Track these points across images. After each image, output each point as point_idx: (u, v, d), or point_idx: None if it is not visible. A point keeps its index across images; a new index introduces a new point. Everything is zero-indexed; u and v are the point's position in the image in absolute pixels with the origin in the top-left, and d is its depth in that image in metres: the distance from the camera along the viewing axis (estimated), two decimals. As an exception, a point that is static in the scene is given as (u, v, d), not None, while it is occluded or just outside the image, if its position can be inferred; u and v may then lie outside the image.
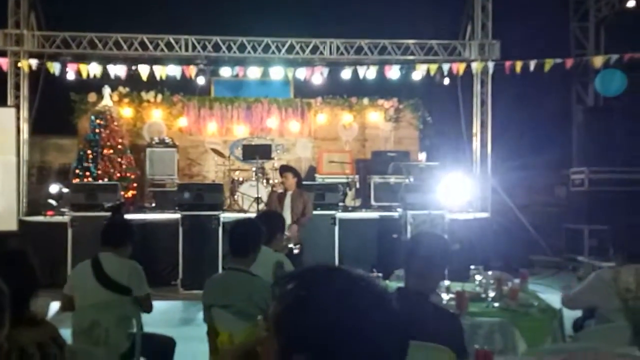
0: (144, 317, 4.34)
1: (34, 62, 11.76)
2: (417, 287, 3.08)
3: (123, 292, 4.22)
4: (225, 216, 9.85)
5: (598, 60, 12.42)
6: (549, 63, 12.23)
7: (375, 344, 1.26)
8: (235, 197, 11.45)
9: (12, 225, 10.12)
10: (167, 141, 12.45)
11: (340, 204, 11.00)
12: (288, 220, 7.75)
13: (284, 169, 8.36)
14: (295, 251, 7.22)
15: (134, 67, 12.05)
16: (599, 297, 4.19)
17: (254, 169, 11.47)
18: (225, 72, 12.56)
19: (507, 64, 12.36)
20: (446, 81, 12.70)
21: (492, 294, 4.25)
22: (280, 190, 8.41)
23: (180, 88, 13.20)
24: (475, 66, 12.51)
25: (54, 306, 4.53)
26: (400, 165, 11.43)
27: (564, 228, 12.25)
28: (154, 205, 11.57)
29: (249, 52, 12.46)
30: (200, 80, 12.33)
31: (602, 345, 3.07)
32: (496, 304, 4.17)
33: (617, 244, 4.33)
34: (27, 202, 11.73)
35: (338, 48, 12.61)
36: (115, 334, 4.01)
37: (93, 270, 4.25)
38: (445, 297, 4.12)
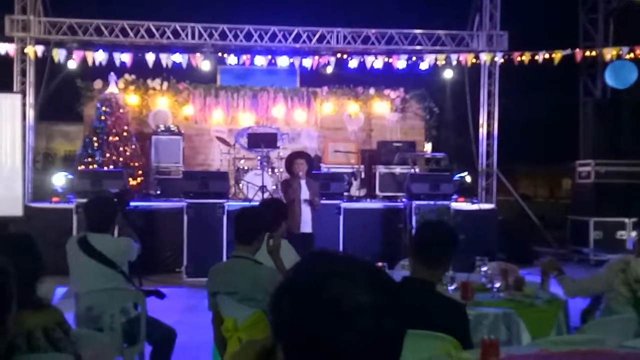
0: (148, 304, 4.34)
1: (40, 49, 11.74)
2: (423, 276, 3.07)
3: (107, 262, 4.27)
4: (230, 204, 9.86)
5: (609, 53, 12.32)
6: (558, 55, 12.15)
7: (350, 343, 1.13)
8: (240, 185, 11.45)
9: (17, 211, 10.14)
10: (172, 129, 12.45)
11: (345, 193, 10.99)
12: (306, 207, 7.99)
13: (298, 155, 8.45)
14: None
15: (140, 55, 12.03)
16: (602, 285, 4.20)
17: (259, 157, 11.45)
18: (232, 60, 12.52)
19: (516, 55, 12.29)
20: (448, 74, 12.68)
21: (497, 284, 4.24)
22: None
23: (187, 76, 13.18)
24: (484, 57, 12.44)
25: (59, 291, 4.55)
26: (405, 155, 11.42)
27: (569, 220, 12.22)
28: (159, 193, 11.58)
29: (255, 40, 12.41)
30: (205, 66, 12.27)
31: (608, 337, 3.05)
32: (501, 295, 4.16)
33: None
34: (33, 188, 11.75)
35: (345, 37, 12.54)
36: (119, 319, 4.03)
37: (77, 242, 4.37)
38: (450, 287, 4.11)
